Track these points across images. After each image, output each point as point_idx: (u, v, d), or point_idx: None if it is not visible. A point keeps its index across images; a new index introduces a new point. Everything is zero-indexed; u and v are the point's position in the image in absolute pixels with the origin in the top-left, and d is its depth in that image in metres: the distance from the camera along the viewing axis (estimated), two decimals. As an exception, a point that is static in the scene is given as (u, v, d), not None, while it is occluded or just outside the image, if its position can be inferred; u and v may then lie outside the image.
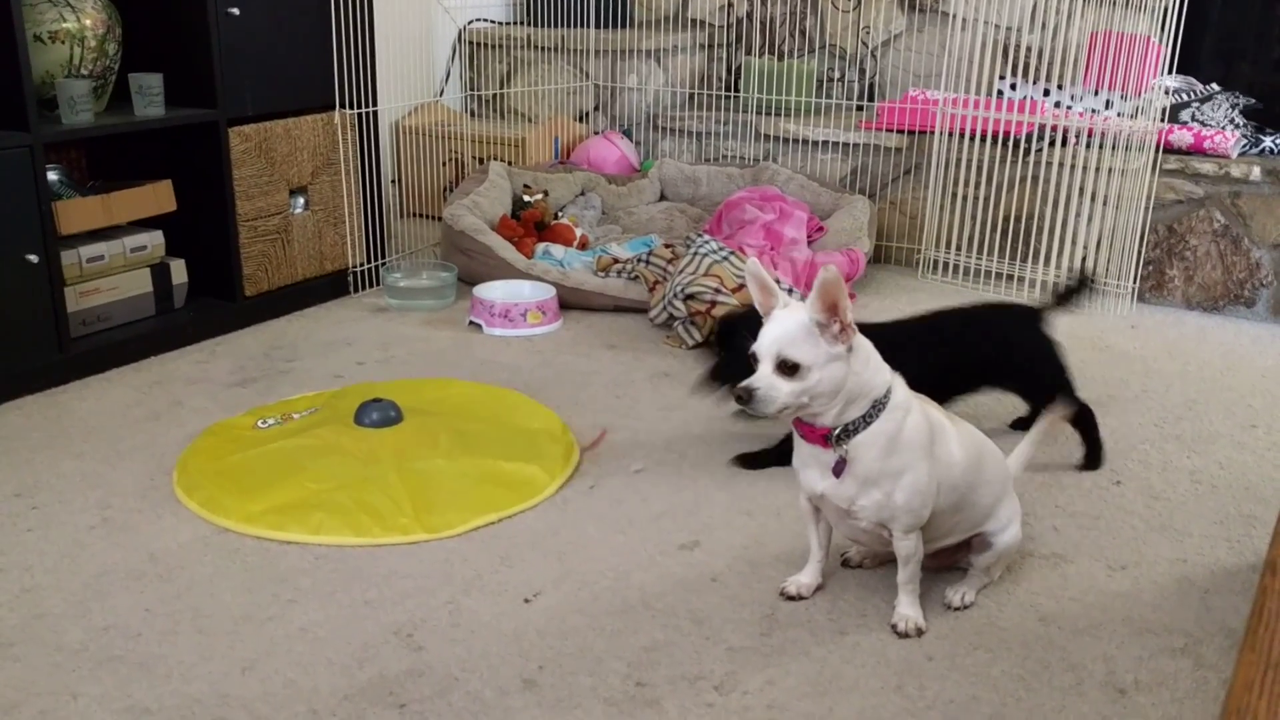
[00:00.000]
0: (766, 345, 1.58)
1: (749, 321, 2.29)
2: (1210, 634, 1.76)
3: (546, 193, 3.74)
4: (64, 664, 1.62)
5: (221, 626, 1.72)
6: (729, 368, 2.31)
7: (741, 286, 2.91)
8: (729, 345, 2.32)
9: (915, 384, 2.15)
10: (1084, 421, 2.34)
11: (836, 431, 1.62)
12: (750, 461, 2.31)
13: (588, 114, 4.43)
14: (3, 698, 1.55)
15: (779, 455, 2.27)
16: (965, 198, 3.63)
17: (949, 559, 1.88)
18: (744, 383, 1.58)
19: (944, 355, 2.28)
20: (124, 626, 1.71)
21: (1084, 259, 2.42)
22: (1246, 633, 0.83)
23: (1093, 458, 2.33)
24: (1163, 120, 3.38)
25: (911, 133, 3.79)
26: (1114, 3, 3.51)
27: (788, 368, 1.57)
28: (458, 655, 1.66)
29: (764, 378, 1.57)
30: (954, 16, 3.73)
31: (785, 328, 1.58)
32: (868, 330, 2.30)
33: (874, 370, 1.63)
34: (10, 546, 1.93)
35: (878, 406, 1.63)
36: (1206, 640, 1.74)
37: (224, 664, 1.63)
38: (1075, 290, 2.38)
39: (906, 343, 2.22)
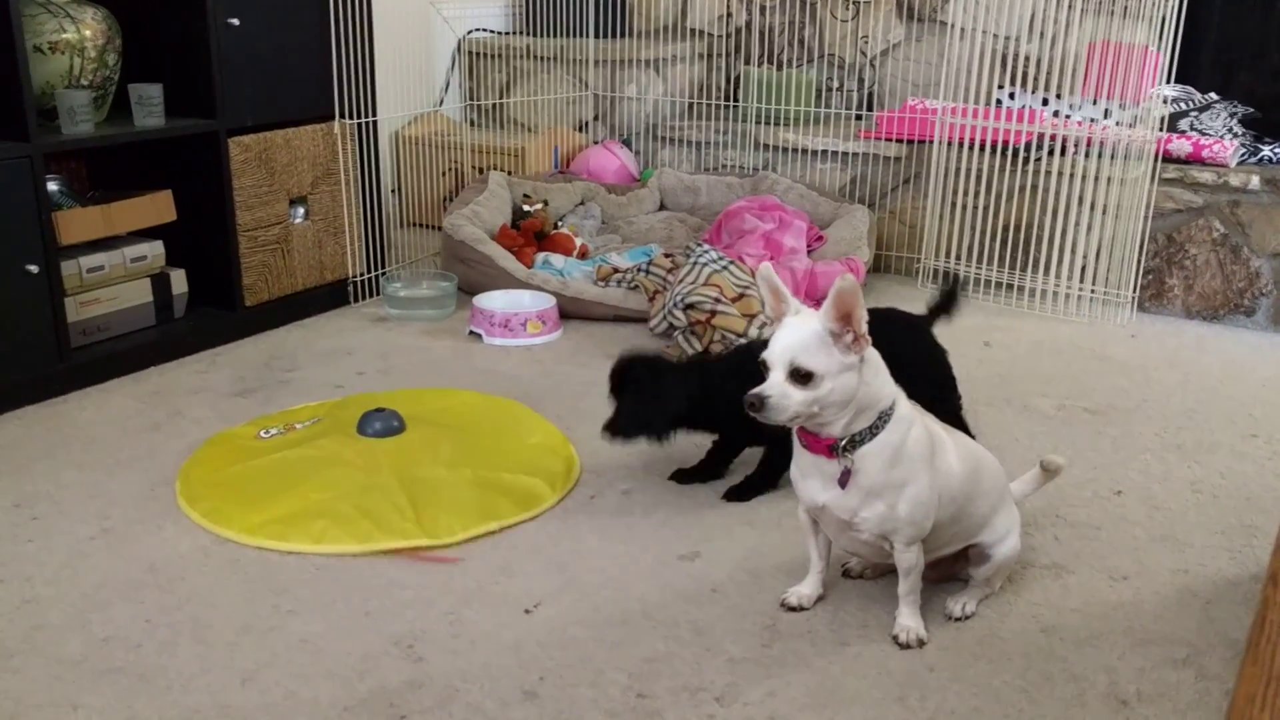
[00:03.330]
0: (779, 353, 1.57)
1: (639, 369, 2.17)
2: (1212, 645, 1.76)
3: (546, 202, 3.74)
4: (64, 675, 1.62)
5: (221, 637, 1.72)
6: (624, 420, 2.15)
7: (741, 296, 2.91)
8: (623, 393, 2.17)
9: None
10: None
11: (843, 442, 1.62)
12: (684, 477, 2.27)
13: (587, 123, 4.43)
14: (2, 710, 1.54)
15: (707, 470, 2.27)
16: (964, 207, 3.63)
17: (948, 570, 1.88)
18: (755, 390, 1.57)
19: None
20: (124, 638, 1.71)
21: (955, 274, 2.30)
22: (1248, 646, 0.83)
23: None
24: (1161, 129, 3.38)
25: (910, 142, 3.80)
26: (1112, 12, 3.51)
27: (800, 376, 1.56)
28: (458, 666, 1.66)
29: (776, 385, 1.57)
30: (952, 26, 3.74)
31: (799, 335, 1.57)
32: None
33: (882, 381, 1.63)
34: (10, 557, 1.93)
35: (883, 418, 1.62)
36: (1208, 651, 1.74)
37: (224, 675, 1.63)
38: (949, 298, 2.29)
39: None
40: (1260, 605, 0.83)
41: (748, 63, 4.40)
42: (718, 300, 2.90)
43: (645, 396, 2.14)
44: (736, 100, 4.29)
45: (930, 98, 3.95)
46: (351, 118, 3.23)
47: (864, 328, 1.56)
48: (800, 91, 4.10)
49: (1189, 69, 3.75)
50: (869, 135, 3.89)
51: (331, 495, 2.09)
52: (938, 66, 3.95)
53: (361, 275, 3.37)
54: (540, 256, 3.49)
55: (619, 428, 2.15)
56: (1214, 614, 1.84)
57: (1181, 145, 3.41)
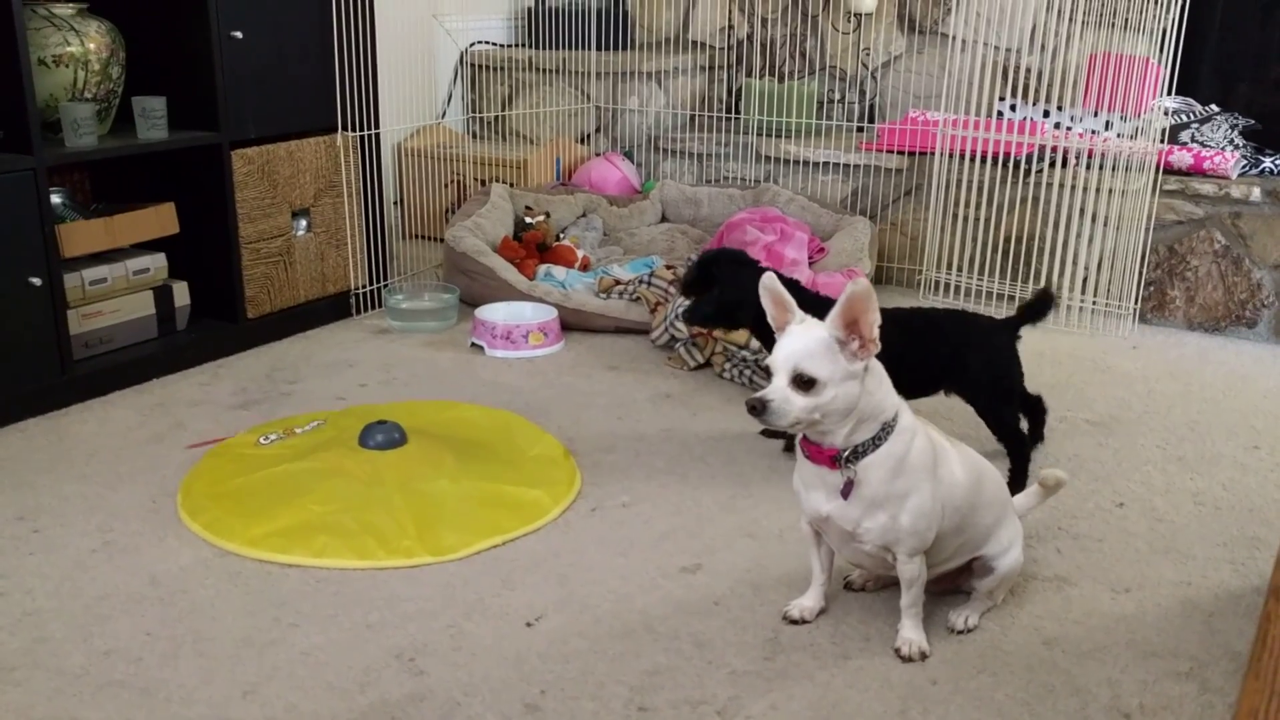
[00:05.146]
0: (783, 359, 1.58)
1: (720, 263, 2.37)
2: (1215, 658, 1.75)
3: (548, 214, 3.75)
4: (65, 688, 1.62)
5: (222, 650, 1.72)
6: (700, 307, 2.42)
7: (743, 308, 2.91)
8: (701, 285, 2.41)
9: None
10: (1016, 449, 2.31)
11: (845, 453, 1.62)
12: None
13: (589, 136, 4.44)
14: (3, 723, 1.55)
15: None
16: (966, 219, 3.64)
17: (951, 583, 1.87)
18: (758, 394, 1.58)
19: (907, 350, 2.22)
20: (125, 650, 1.71)
21: (1048, 284, 2.38)
22: (1251, 660, 0.83)
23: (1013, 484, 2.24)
24: (1162, 141, 3.38)
25: (912, 154, 3.80)
26: (1113, 24, 3.52)
27: (803, 382, 1.57)
28: (459, 679, 1.66)
29: (778, 390, 1.57)
30: (954, 38, 3.74)
31: (804, 342, 1.58)
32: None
33: (886, 392, 1.63)
34: (12, 570, 1.93)
35: (886, 429, 1.63)
36: (1211, 664, 1.74)
37: (225, 688, 1.63)
38: (1040, 305, 2.33)
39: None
40: (1262, 620, 0.83)
41: (749, 75, 4.41)
42: (719, 312, 2.90)
43: (730, 288, 2.36)
44: (738, 112, 4.30)
45: (931, 109, 3.95)
46: (354, 130, 3.24)
47: (874, 332, 1.56)
48: (802, 103, 4.11)
49: (1190, 81, 3.76)
50: (870, 147, 3.90)
51: (333, 508, 2.09)
52: (939, 78, 3.95)
53: (364, 287, 3.38)
54: (542, 268, 3.49)
55: (693, 316, 2.43)
56: (1217, 627, 1.84)
57: (1182, 157, 3.42)
